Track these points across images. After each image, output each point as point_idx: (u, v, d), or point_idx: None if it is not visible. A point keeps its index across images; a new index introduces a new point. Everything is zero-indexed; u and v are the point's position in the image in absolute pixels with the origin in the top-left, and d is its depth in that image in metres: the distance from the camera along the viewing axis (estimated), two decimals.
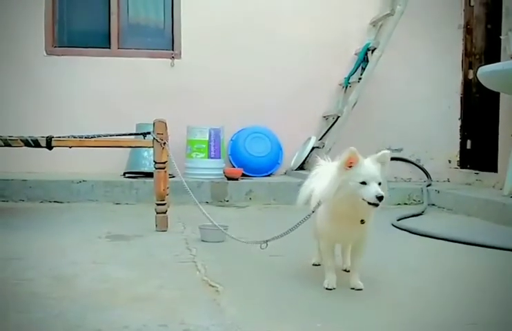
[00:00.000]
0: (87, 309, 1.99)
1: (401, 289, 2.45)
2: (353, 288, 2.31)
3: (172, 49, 6.15)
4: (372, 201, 2.09)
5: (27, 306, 2.01)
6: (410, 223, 4.04)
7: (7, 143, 3.59)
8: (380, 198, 2.08)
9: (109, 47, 6.15)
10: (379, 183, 2.12)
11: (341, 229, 2.29)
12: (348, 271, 2.49)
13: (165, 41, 6.23)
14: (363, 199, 2.12)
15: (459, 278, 2.67)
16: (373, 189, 2.09)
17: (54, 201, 4.98)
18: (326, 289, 2.29)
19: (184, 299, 2.15)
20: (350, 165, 2.14)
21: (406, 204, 5.29)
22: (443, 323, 1.94)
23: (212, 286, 2.32)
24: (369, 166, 2.15)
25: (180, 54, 6.13)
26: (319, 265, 2.65)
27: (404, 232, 3.82)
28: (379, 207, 2.11)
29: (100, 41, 6.18)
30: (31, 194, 4.99)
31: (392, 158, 5.96)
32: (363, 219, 2.22)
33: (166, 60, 6.11)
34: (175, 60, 6.11)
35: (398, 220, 4.16)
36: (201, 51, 6.12)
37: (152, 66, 6.11)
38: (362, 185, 2.12)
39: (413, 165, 6.23)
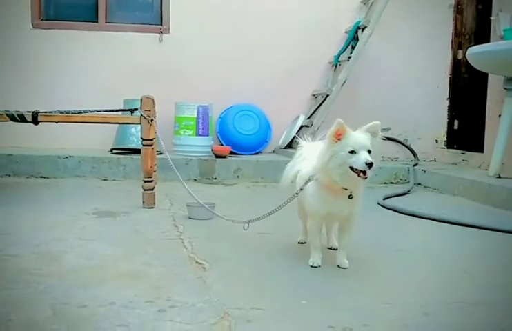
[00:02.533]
0: (74, 285, 1.99)
1: (387, 268, 2.48)
2: (339, 266, 2.33)
3: (161, 24, 6.09)
4: (361, 168, 2.09)
5: (14, 282, 2.00)
6: (396, 203, 4.08)
7: None
8: (370, 164, 2.08)
9: (96, 21, 6.07)
10: (369, 151, 2.12)
11: (331, 207, 2.28)
12: (335, 249, 2.53)
13: (153, 16, 6.16)
14: (352, 169, 2.12)
15: (444, 258, 2.71)
16: (362, 156, 2.09)
17: (41, 176, 4.94)
18: (311, 266, 2.32)
19: (171, 276, 2.16)
20: (338, 137, 2.14)
21: (392, 183, 5.34)
22: (428, 302, 1.96)
23: (199, 263, 2.33)
24: (358, 135, 2.15)
25: (169, 29, 6.07)
26: (304, 243, 2.68)
27: (389, 211, 3.85)
28: (368, 176, 2.11)
29: (87, 14, 6.09)
30: (17, 169, 4.95)
31: (382, 138, 6.15)
32: (351, 194, 2.22)
33: (155, 35, 6.05)
34: (164, 35, 6.05)
35: (384, 199, 4.20)
36: (190, 26, 6.06)
37: (140, 41, 6.04)
38: (351, 154, 2.12)
39: (400, 145, 6.26)
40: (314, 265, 2.32)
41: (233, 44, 6.10)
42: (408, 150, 6.24)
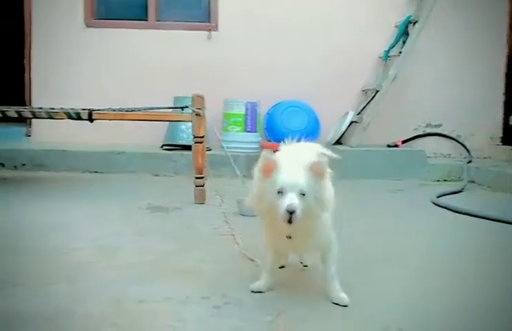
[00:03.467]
0: (132, 280, 2.05)
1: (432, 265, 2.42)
2: (338, 304, 1.87)
3: (209, 22, 6.15)
4: (282, 216, 1.73)
5: (76, 276, 2.08)
6: (449, 201, 3.98)
7: (50, 116, 3.68)
8: (291, 212, 1.71)
9: (146, 20, 6.18)
10: (303, 194, 1.75)
11: (279, 243, 1.94)
12: (306, 266, 2.27)
13: (202, 13, 6.23)
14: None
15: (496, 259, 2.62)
16: (286, 200, 1.73)
17: (95, 172, 5.09)
18: (251, 292, 1.96)
19: (224, 273, 2.19)
20: (267, 173, 1.79)
21: (445, 181, 5.21)
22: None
23: (252, 260, 2.35)
24: (289, 172, 1.77)
25: (217, 26, 6.12)
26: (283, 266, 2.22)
27: (443, 209, 3.77)
28: (292, 225, 1.74)
29: (138, 13, 6.22)
30: (72, 165, 5.11)
31: (433, 134, 6.02)
32: (289, 235, 1.85)
33: (203, 32, 6.11)
34: (212, 32, 6.10)
35: (438, 197, 4.11)
36: (238, 23, 6.10)
37: (189, 39, 6.12)
38: (279, 195, 1.75)
39: (453, 141, 6.10)
40: (254, 290, 1.96)
41: (281, 40, 6.09)
42: (461, 147, 6.07)
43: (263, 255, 2.05)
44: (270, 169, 1.79)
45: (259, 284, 1.98)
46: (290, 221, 1.72)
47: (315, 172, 1.78)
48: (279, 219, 1.75)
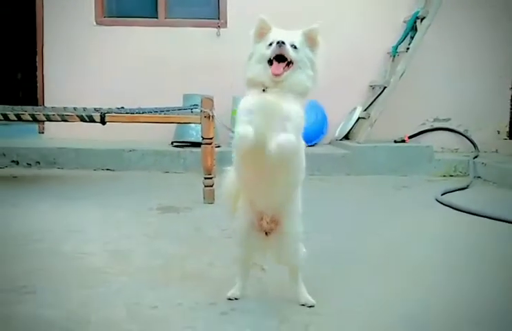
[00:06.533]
0: (144, 285, 2.15)
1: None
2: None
3: (218, 19, 6.21)
4: (273, 52, 1.77)
5: (90, 281, 2.19)
6: (454, 200, 4.03)
7: (63, 119, 3.78)
8: (280, 43, 1.76)
9: (156, 17, 6.26)
10: (295, 47, 1.81)
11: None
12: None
13: (211, 10, 6.29)
14: (270, 63, 1.79)
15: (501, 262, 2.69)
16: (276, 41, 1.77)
17: (107, 169, 5.20)
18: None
19: (231, 278, 2.25)
20: (262, 35, 1.85)
21: (451, 176, 5.27)
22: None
23: (258, 265, 2.42)
24: (282, 30, 1.85)
25: (226, 23, 6.19)
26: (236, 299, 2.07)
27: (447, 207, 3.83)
28: (282, 75, 1.77)
29: (148, 10, 6.30)
30: (84, 162, 5.23)
31: (440, 128, 6.06)
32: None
33: (212, 29, 6.18)
34: (221, 29, 6.17)
35: (442, 194, 4.17)
36: (247, 20, 6.04)
37: (198, 36, 6.19)
38: (270, 46, 1.81)
39: (460, 136, 6.14)
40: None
41: None
42: (468, 141, 6.10)
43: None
44: (263, 32, 1.85)
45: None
46: (277, 58, 1.76)
47: (309, 37, 1.85)
48: (267, 71, 1.78)
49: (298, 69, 1.82)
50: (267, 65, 1.80)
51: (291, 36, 1.82)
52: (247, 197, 1.95)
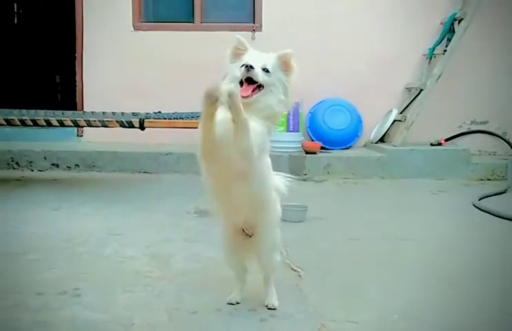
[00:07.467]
0: (184, 290, 2.21)
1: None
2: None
3: (253, 22, 6.25)
4: (241, 75, 1.81)
5: (132, 285, 2.25)
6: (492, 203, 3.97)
7: (103, 124, 3.89)
8: (248, 66, 1.79)
9: (193, 22, 6.35)
10: (267, 70, 1.83)
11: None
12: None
13: (246, 14, 6.34)
14: (241, 84, 1.82)
15: None
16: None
17: (144, 172, 5.31)
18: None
19: None
20: (237, 56, 1.91)
21: (489, 179, 5.18)
22: None
23: (295, 270, 2.46)
24: (256, 53, 1.90)
25: (261, 26, 6.22)
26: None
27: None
28: (251, 97, 1.79)
29: (184, 15, 6.39)
30: (122, 166, 5.35)
31: (477, 131, 5.96)
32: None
33: (247, 33, 6.21)
34: (256, 33, 6.20)
35: (479, 199, 4.11)
36: (282, 23, 6.17)
37: (233, 39, 6.22)
38: (242, 68, 1.83)
39: (499, 139, 6.02)
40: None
41: (323, 38, 6.12)
42: (506, 144, 5.98)
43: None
44: (239, 52, 1.90)
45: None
46: (248, 81, 1.78)
47: (283, 61, 1.88)
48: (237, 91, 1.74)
49: (269, 92, 1.85)
50: (239, 86, 1.83)
51: (264, 59, 1.86)
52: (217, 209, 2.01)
